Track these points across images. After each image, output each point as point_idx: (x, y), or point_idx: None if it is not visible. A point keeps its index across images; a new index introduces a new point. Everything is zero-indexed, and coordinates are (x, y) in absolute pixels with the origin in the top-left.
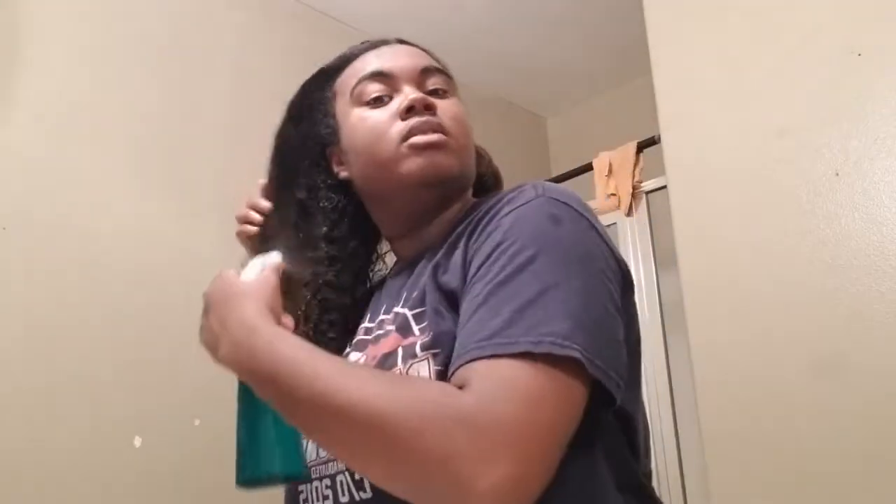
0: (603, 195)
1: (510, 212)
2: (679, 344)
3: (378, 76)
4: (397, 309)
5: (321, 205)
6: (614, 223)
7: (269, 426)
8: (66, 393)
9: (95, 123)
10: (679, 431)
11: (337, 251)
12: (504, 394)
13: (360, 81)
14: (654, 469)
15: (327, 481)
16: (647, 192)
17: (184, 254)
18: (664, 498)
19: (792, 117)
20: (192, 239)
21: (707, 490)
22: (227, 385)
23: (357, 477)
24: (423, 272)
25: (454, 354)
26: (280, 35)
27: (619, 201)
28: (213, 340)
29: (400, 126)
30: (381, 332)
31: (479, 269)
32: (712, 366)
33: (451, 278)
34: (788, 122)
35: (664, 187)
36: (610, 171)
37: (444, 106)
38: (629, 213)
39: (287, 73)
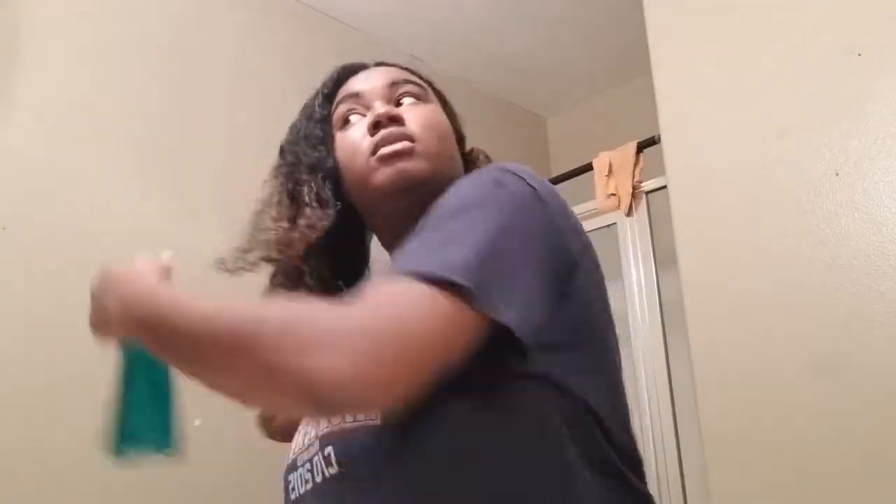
0: (603, 195)
1: (457, 183)
2: (679, 344)
3: (350, 98)
4: None
5: (314, 195)
6: (614, 223)
7: (144, 395)
8: (66, 393)
9: (95, 123)
10: (679, 431)
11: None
12: (373, 301)
13: (337, 107)
14: (654, 469)
15: (307, 465)
16: (647, 192)
17: (184, 254)
18: (664, 498)
19: (792, 117)
20: (192, 239)
21: (707, 490)
22: None
23: (326, 453)
24: None
25: None
26: (280, 35)
27: (619, 201)
28: (103, 314)
29: (368, 141)
30: None
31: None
32: (712, 366)
33: None
34: (788, 122)
35: (664, 187)
36: (610, 171)
37: (413, 113)
38: (629, 213)
39: (287, 74)
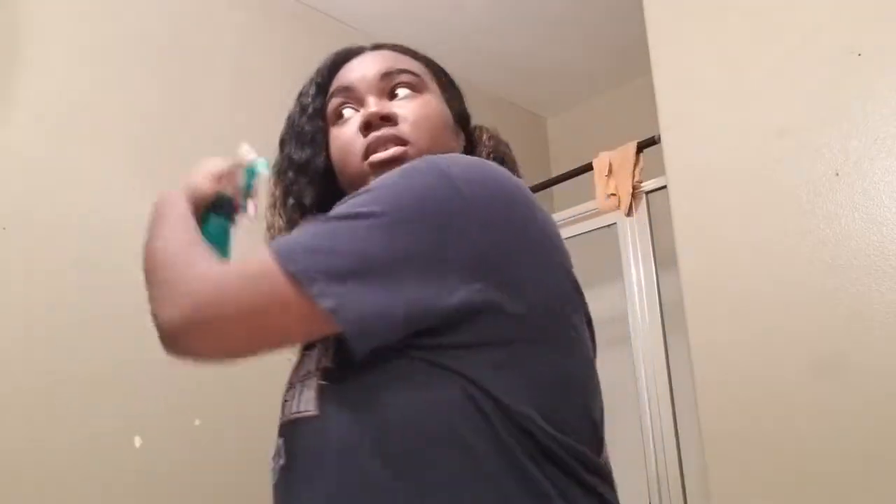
0: (603, 195)
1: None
2: (679, 344)
3: (341, 93)
4: None
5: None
6: (614, 223)
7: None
8: (66, 393)
9: (95, 123)
10: (679, 431)
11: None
12: (233, 267)
13: (329, 100)
14: (654, 469)
15: (274, 454)
16: (647, 192)
17: None
18: (664, 498)
19: (792, 117)
20: None
21: (707, 490)
22: (226, 385)
23: (279, 444)
24: None
25: None
26: (280, 35)
27: (619, 201)
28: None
29: (361, 142)
30: None
31: None
32: (712, 366)
33: None
34: (788, 122)
35: (664, 187)
36: (610, 171)
37: (406, 109)
38: (629, 213)
39: (287, 74)
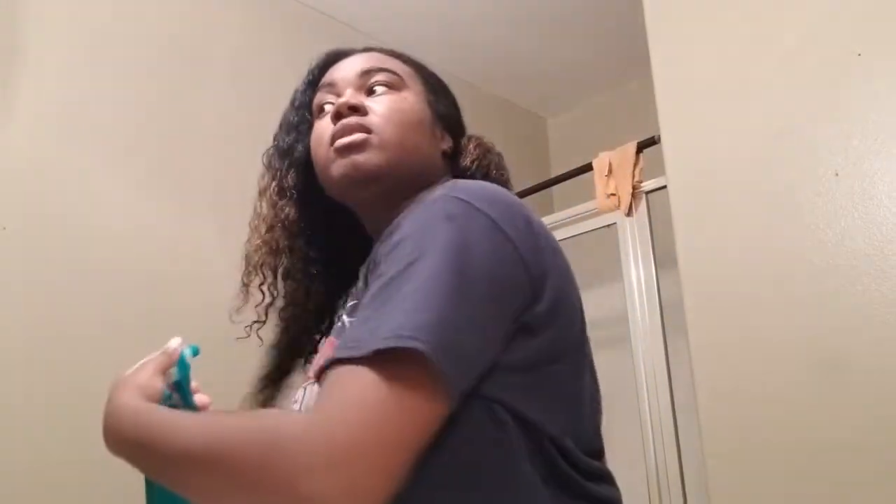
0: (603, 195)
1: (412, 214)
2: (679, 344)
3: (325, 88)
4: (345, 316)
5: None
6: (614, 223)
7: None
8: (65, 393)
9: (95, 123)
10: (679, 431)
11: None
12: (341, 408)
13: (315, 96)
14: (655, 469)
15: None
16: (647, 192)
17: (183, 253)
18: (664, 498)
19: (792, 117)
20: (192, 238)
21: (707, 490)
22: (226, 385)
23: None
24: (359, 275)
25: None
26: (280, 35)
27: (619, 201)
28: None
29: (330, 129)
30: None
31: (379, 273)
32: (712, 366)
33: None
34: (788, 122)
35: (664, 187)
36: (610, 171)
37: (378, 102)
38: (629, 213)
39: (287, 74)
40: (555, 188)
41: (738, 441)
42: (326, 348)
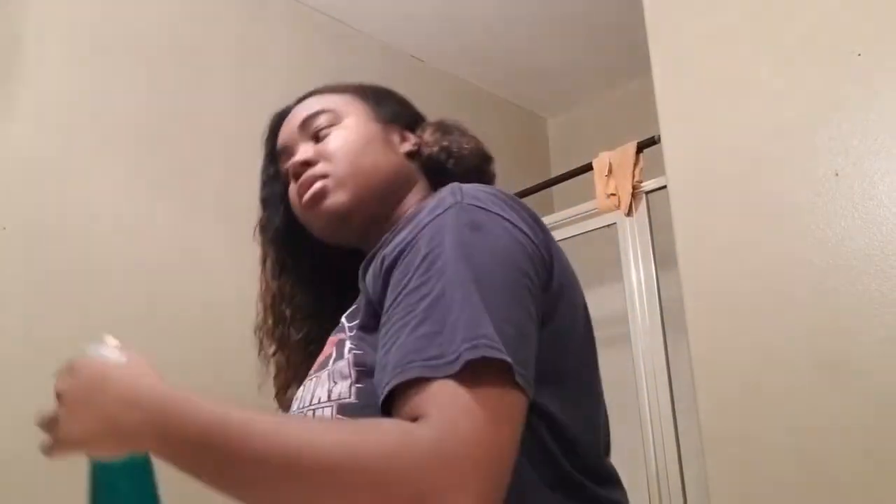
0: (603, 195)
1: (430, 222)
2: (679, 344)
3: (282, 156)
4: (343, 318)
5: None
6: (614, 223)
7: None
8: None
9: (95, 123)
10: (679, 431)
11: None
12: (459, 420)
13: (277, 168)
14: (654, 469)
15: None
16: (647, 192)
17: (184, 253)
18: (664, 498)
19: (791, 117)
20: (192, 238)
21: (707, 490)
22: (226, 385)
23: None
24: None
25: (388, 368)
26: (280, 35)
27: (619, 201)
28: (98, 429)
29: (293, 191)
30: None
31: (404, 282)
32: (712, 366)
33: (372, 287)
34: (788, 122)
35: (664, 187)
36: (610, 171)
37: (323, 147)
38: (629, 213)
39: (287, 74)
40: (555, 188)
41: (738, 441)
42: (328, 346)
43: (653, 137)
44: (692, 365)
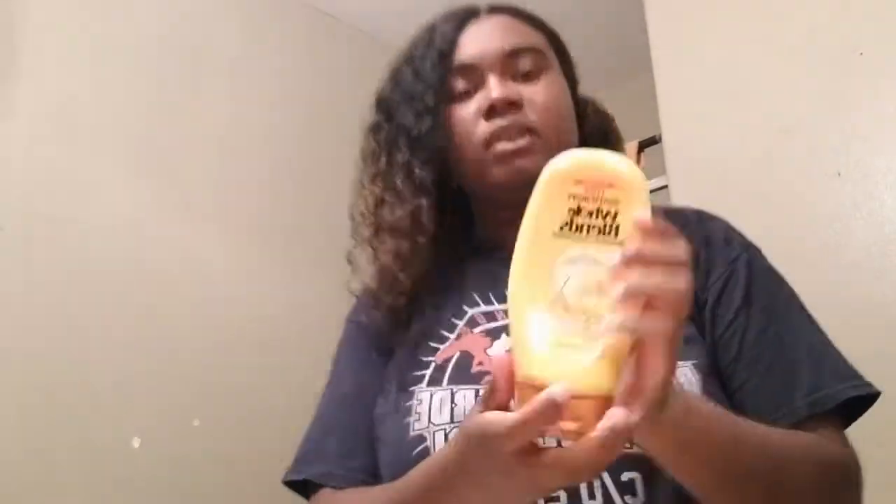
0: None
1: (748, 250)
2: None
3: (462, 70)
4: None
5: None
6: None
7: None
8: (65, 393)
9: (94, 123)
10: None
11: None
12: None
13: (448, 75)
14: None
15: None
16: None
17: (183, 253)
18: None
19: (793, 117)
20: (192, 238)
21: None
22: (225, 385)
23: (625, 478)
24: None
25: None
26: (280, 35)
27: None
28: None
29: (483, 128)
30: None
31: (746, 303)
32: None
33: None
34: (789, 122)
35: (665, 187)
36: None
37: (532, 94)
38: None
39: (287, 74)
40: None
41: None
42: (470, 342)
43: (653, 137)
44: None
